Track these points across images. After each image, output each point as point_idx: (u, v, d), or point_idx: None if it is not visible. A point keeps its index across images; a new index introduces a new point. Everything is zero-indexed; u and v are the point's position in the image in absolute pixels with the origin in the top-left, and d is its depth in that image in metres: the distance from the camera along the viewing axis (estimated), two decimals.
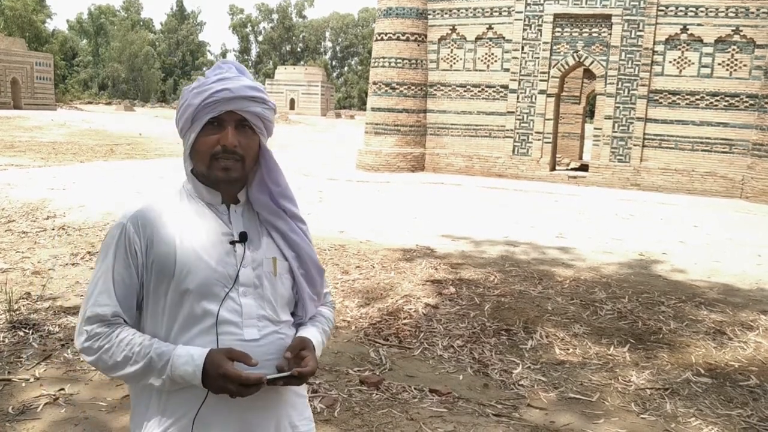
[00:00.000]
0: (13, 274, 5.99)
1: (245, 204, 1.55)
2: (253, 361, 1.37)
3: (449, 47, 17.15)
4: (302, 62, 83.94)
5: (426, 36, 17.28)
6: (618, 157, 15.42)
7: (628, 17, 14.91)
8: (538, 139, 16.17)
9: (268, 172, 1.55)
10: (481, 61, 16.82)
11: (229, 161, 1.45)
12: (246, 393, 1.35)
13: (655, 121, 15.02)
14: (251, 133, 1.49)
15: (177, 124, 1.52)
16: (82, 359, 1.38)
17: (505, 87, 16.44)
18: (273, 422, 1.49)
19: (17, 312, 4.79)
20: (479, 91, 16.86)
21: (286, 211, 1.56)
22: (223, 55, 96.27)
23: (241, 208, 1.54)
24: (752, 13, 13.95)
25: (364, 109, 20.15)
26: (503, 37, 16.38)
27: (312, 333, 1.56)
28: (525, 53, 16.12)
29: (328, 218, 9.58)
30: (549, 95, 15.97)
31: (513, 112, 16.41)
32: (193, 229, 1.47)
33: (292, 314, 1.60)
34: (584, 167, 18.01)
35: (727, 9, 14.12)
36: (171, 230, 1.45)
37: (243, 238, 1.49)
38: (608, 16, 15.11)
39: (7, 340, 4.28)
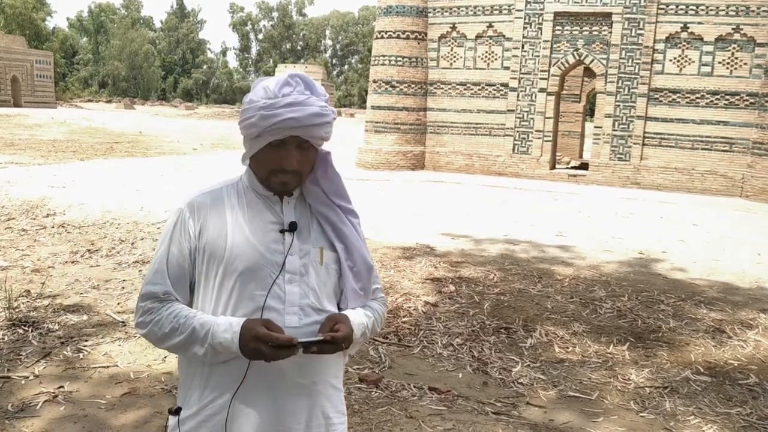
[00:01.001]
0: (13, 271, 5.99)
1: (298, 197, 1.60)
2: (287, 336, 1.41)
3: (449, 45, 17.14)
4: (302, 60, 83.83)
5: (426, 34, 17.26)
6: (618, 156, 15.41)
7: (628, 15, 14.89)
8: (538, 138, 16.17)
9: (323, 171, 1.60)
10: (482, 59, 16.80)
11: (288, 178, 1.52)
12: (278, 356, 1.39)
13: (656, 119, 15.01)
14: (310, 148, 1.55)
15: (240, 125, 1.55)
16: (139, 334, 1.43)
17: (506, 85, 16.43)
18: (306, 410, 1.54)
19: (17, 310, 4.79)
20: (479, 90, 16.85)
21: (338, 205, 1.61)
22: (224, 53, 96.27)
23: (293, 200, 1.59)
24: (753, 11, 13.94)
25: (365, 108, 20.14)
26: (503, 36, 16.37)
27: (350, 313, 1.58)
28: (525, 51, 16.11)
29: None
30: (549, 93, 15.96)
31: (513, 111, 16.40)
32: (245, 217, 1.53)
33: (339, 308, 1.62)
34: (584, 166, 18.01)
35: (727, 7, 14.11)
36: (224, 216, 1.53)
37: (292, 227, 1.54)
38: (608, 15, 15.10)
39: (6, 338, 4.28)
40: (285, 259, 1.52)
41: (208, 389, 1.51)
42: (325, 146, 1.63)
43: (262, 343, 1.39)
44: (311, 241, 1.58)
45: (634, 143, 15.19)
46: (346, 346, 1.50)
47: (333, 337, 1.44)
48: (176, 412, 1.55)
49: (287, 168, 1.51)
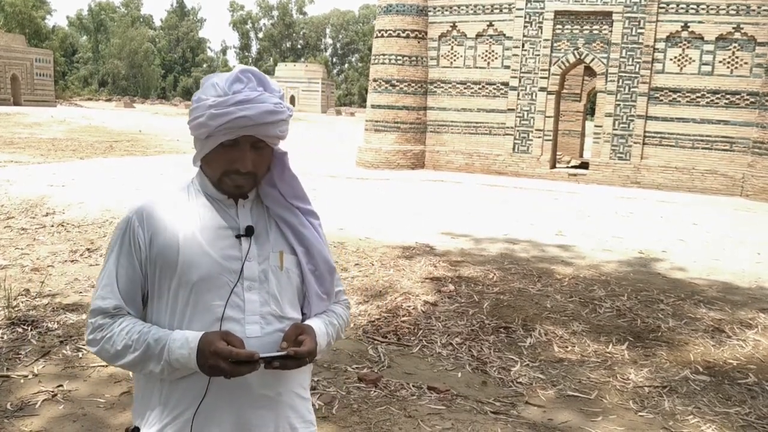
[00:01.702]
0: (12, 270, 5.99)
1: (254, 199, 1.53)
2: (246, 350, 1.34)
3: (449, 44, 17.13)
4: (302, 59, 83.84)
5: (426, 33, 17.25)
6: (618, 155, 15.41)
7: (628, 14, 14.88)
8: (539, 137, 16.16)
9: (280, 171, 1.53)
10: (482, 58, 16.79)
11: (242, 180, 1.44)
12: (239, 372, 1.32)
13: (656, 118, 15.00)
14: (265, 148, 1.47)
15: (189, 125, 1.47)
16: (90, 352, 1.37)
17: (506, 84, 16.42)
18: (272, 423, 1.47)
19: (16, 309, 4.79)
20: (479, 89, 16.84)
21: (297, 207, 1.55)
22: (224, 51, 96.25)
23: (249, 203, 1.51)
24: (753, 10, 13.93)
25: (365, 107, 20.14)
26: (504, 34, 16.36)
27: (314, 322, 1.51)
28: (525, 50, 16.10)
29: (328, 215, 9.57)
30: (549, 93, 15.95)
31: (513, 110, 16.39)
32: (198, 223, 1.45)
33: (302, 313, 1.56)
34: (584, 165, 18.00)
35: (728, 6, 14.10)
36: (175, 223, 1.44)
37: (249, 232, 1.47)
38: (609, 13, 15.09)
39: (5, 337, 4.28)
40: (243, 265, 1.44)
41: (169, 407, 1.42)
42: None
43: (221, 360, 1.31)
44: (270, 245, 1.50)
45: (635, 142, 15.18)
46: (310, 360, 1.43)
47: (296, 352, 1.36)
48: None
49: (241, 169, 1.42)
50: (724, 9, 14.14)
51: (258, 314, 1.45)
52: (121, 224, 1.47)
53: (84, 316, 4.75)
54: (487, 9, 16.52)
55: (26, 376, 3.70)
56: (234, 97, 1.40)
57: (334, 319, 1.60)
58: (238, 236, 1.46)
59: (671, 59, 14.75)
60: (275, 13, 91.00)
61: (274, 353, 1.36)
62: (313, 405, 3.42)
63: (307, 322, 1.52)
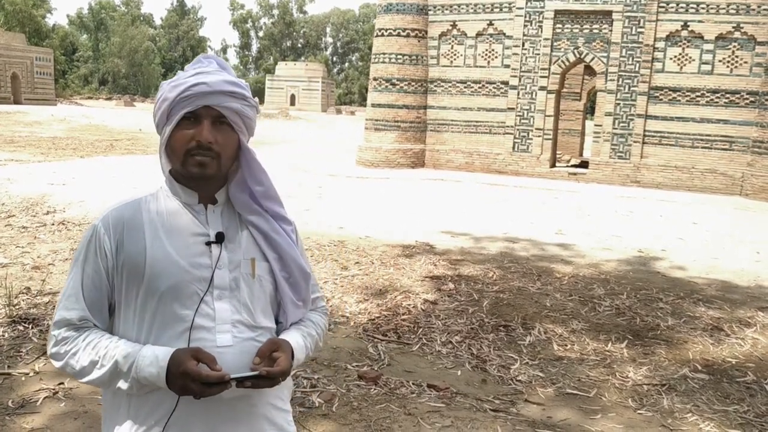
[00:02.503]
0: (13, 268, 6.01)
1: (224, 204, 1.48)
2: (218, 367, 1.29)
3: (450, 43, 17.13)
4: (303, 58, 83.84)
5: (426, 32, 17.26)
6: (618, 154, 15.42)
7: (628, 14, 14.89)
8: (539, 136, 16.17)
9: (249, 171, 1.47)
10: (482, 57, 16.80)
11: (205, 157, 1.38)
12: (209, 393, 1.28)
13: (656, 118, 15.01)
14: (229, 130, 1.42)
15: (154, 118, 1.46)
16: (55, 366, 1.28)
17: (506, 83, 16.43)
18: None
19: (17, 306, 4.80)
20: (479, 88, 16.85)
21: (268, 211, 1.50)
22: (224, 50, 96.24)
23: (219, 208, 1.47)
24: (753, 10, 13.93)
25: (365, 105, 20.16)
26: (504, 34, 16.36)
27: (292, 336, 1.47)
28: (525, 49, 16.10)
29: (328, 214, 9.59)
30: (549, 92, 15.96)
31: (513, 109, 16.40)
32: (167, 230, 1.41)
33: (278, 321, 1.52)
34: (584, 164, 18.01)
35: (728, 6, 14.11)
36: (143, 231, 1.40)
37: (219, 238, 1.42)
38: (609, 13, 15.09)
39: (6, 335, 4.29)
40: (213, 273, 1.40)
41: (138, 421, 1.37)
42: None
43: (190, 381, 1.26)
44: (241, 252, 1.45)
45: (635, 141, 15.19)
46: (284, 379, 1.38)
47: (269, 372, 1.32)
48: None
49: (202, 141, 1.37)
50: (723, 8, 14.15)
51: (229, 323, 1.40)
52: (87, 232, 1.43)
53: None
54: (488, 8, 16.52)
55: (27, 374, 3.71)
56: (193, 71, 1.43)
57: (312, 329, 1.56)
58: (208, 243, 1.42)
59: (671, 58, 14.76)
60: (275, 11, 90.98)
61: (245, 374, 1.32)
62: (313, 402, 3.46)
63: (284, 334, 1.48)
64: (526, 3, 15.91)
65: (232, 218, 1.48)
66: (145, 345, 1.36)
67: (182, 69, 1.50)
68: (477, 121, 16.96)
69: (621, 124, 15.31)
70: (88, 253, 1.41)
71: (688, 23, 14.48)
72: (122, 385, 1.34)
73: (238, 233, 1.47)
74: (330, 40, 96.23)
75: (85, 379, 1.36)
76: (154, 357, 1.31)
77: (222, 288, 1.41)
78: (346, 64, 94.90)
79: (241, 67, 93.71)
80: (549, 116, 16.07)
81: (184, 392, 1.29)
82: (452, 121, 17.25)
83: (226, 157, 1.42)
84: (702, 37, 14.42)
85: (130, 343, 1.36)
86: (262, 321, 1.46)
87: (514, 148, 16.52)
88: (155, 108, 1.45)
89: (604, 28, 15.27)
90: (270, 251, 1.48)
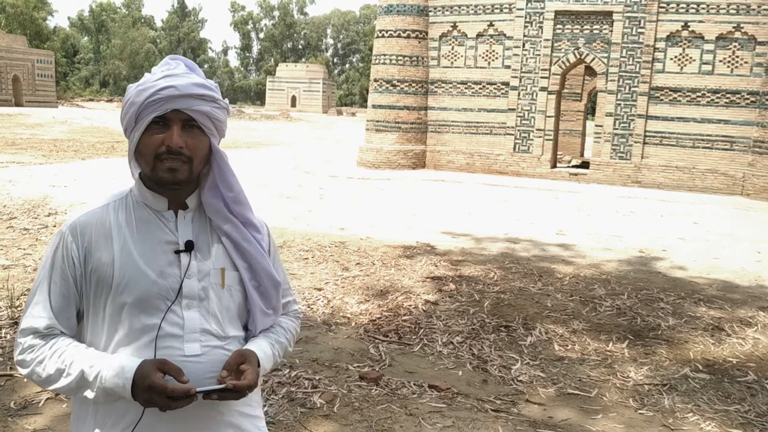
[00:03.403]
0: (15, 270, 6.02)
1: (195, 210, 1.45)
2: (185, 378, 1.29)
3: (450, 44, 17.14)
4: (303, 59, 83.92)
5: (427, 33, 17.27)
6: (619, 154, 15.42)
7: (629, 14, 14.89)
8: (539, 137, 16.17)
9: (220, 175, 1.44)
10: (482, 58, 16.81)
11: (176, 162, 1.35)
12: (175, 406, 1.26)
13: (656, 118, 15.01)
14: (200, 134, 1.39)
15: (121, 123, 1.42)
16: (21, 374, 1.27)
17: (506, 84, 16.44)
18: None
19: (19, 308, 4.81)
20: (480, 88, 16.86)
21: (239, 217, 1.47)
22: (225, 52, 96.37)
23: (190, 214, 1.44)
24: (753, 10, 13.93)
25: (366, 107, 20.19)
26: (504, 34, 16.38)
27: (259, 345, 1.46)
28: (526, 50, 16.11)
29: (329, 215, 9.60)
30: (550, 92, 15.96)
31: (514, 109, 16.41)
32: (135, 238, 1.38)
33: (246, 329, 1.51)
34: (585, 164, 18.01)
35: (728, 6, 14.11)
36: (111, 239, 1.37)
37: (189, 247, 1.40)
38: (609, 13, 15.10)
39: (9, 337, 4.30)
40: (182, 283, 1.38)
41: (105, 429, 1.37)
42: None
43: (156, 394, 1.25)
44: (211, 261, 1.42)
45: (635, 142, 15.19)
46: (251, 391, 1.36)
47: (235, 386, 1.31)
48: None
49: (172, 146, 1.34)
50: (724, 8, 14.15)
51: (198, 332, 1.39)
52: (54, 240, 1.40)
53: None
54: (488, 9, 16.53)
55: None
56: (160, 74, 1.39)
57: (281, 336, 1.55)
58: (178, 252, 1.39)
59: (671, 59, 14.76)
60: (276, 13, 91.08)
61: (212, 387, 1.31)
62: (315, 403, 3.46)
63: (251, 343, 1.47)
64: (527, 4, 15.92)
65: (203, 225, 1.45)
66: (112, 355, 1.35)
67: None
68: (478, 122, 16.97)
69: (622, 125, 15.31)
70: (55, 260, 1.39)
71: (689, 23, 14.49)
72: (88, 394, 1.32)
73: (209, 241, 1.44)
74: (331, 41, 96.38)
75: (51, 387, 1.35)
76: (120, 368, 1.29)
77: (191, 297, 1.39)
78: (347, 66, 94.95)
79: (242, 69, 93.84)
80: (550, 117, 16.07)
81: (149, 405, 1.28)
82: (453, 122, 17.26)
83: (197, 161, 1.39)
84: (702, 37, 14.42)
85: (97, 353, 1.35)
86: (230, 331, 1.44)
87: (514, 148, 16.52)
88: (122, 112, 1.41)
89: (605, 29, 15.27)
90: (240, 260, 1.46)
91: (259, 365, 1.41)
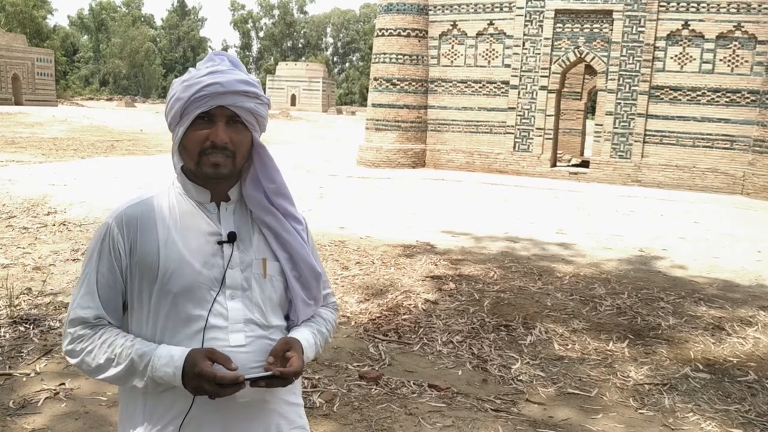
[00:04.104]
0: (14, 269, 6.01)
1: (237, 202, 1.48)
2: (233, 365, 1.31)
3: (450, 43, 17.13)
4: (303, 58, 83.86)
5: (427, 32, 17.25)
6: (619, 153, 15.41)
7: (629, 13, 14.88)
8: (539, 135, 16.16)
9: (262, 168, 1.47)
10: (482, 56, 16.80)
11: (219, 157, 1.38)
12: (224, 393, 1.29)
13: (656, 117, 15.00)
14: (243, 129, 1.42)
15: (166, 117, 1.46)
16: (70, 363, 1.26)
17: (506, 83, 16.42)
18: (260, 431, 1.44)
19: (18, 307, 4.80)
20: (480, 87, 16.84)
21: (279, 209, 1.49)
22: (225, 50, 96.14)
23: (232, 206, 1.47)
24: (754, 8, 13.92)
25: (365, 105, 20.18)
26: (504, 33, 16.36)
27: (302, 334, 1.49)
28: (526, 49, 16.10)
29: (329, 214, 9.59)
30: (550, 91, 15.95)
31: (514, 108, 16.39)
32: (179, 229, 1.41)
33: (288, 318, 1.54)
34: (585, 163, 18.01)
35: (728, 5, 14.09)
36: (156, 230, 1.40)
37: (231, 238, 1.42)
38: (609, 12, 15.08)
39: (8, 335, 4.29)
40: (225, 273, 1.41)
41: (153, 419, 1.39)
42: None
43: (206, 381, 1.28)
44: (253, 251, 1.45)
45: (635, 141, 15.18)
46: (297, 378, 1.40)
47: (282, 373, 1.34)
48: None
49: (217, 142, 1.37)
50: (724, 7, 14.13)
51: (242, 323, 1.41)
52: (100, 230, 1.43)
53: None
54: (488, 8, 16.52)
55: (28, 375, 3.71)
56: (205, 70, 1.41)
57: (322, 326, 1.58)
58: (220, 242, 1.42)
59: (672, 57, 14.75)
60: (276, 12, 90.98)
61: (260, 374, 1.34)
62: (314, 402, 3.46)
63: (294, 331, 1.49)
64: (527, 2, 15.91)
65: (244, 217, 1.48)
66: (160, 344, 1.38)
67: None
68: (478, 121, 16.95)
69: (622, 124, 15.30)
70: (102, 251, 1.41)
71: (689, 22, 14.47)
72: (137, 383, 1.36)
73: (250, 232, 1.47)
74: (330, 40, 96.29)
75: (100, 377, 1.38)
76: (170, 357, 1.33)
77: (234, 288, 1.42)
78: (347, 64, 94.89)
79: None
80: (550, 116, 16.06)
81: (198, 392, 1.31)
82: (453, 120, 17.25)
83: (240, 155, 1.43)
84: (703, 36, 14.40)
85: (146, 342, 1.38)
86: (273, 320, 1.47)
87: (514, 147, 16.51)
88: (167, 107, 1.45)
89: (605, 28, 15.26)
90: (281, 251, 1.49)
91: (302, 353, 1.44)
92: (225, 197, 1.46)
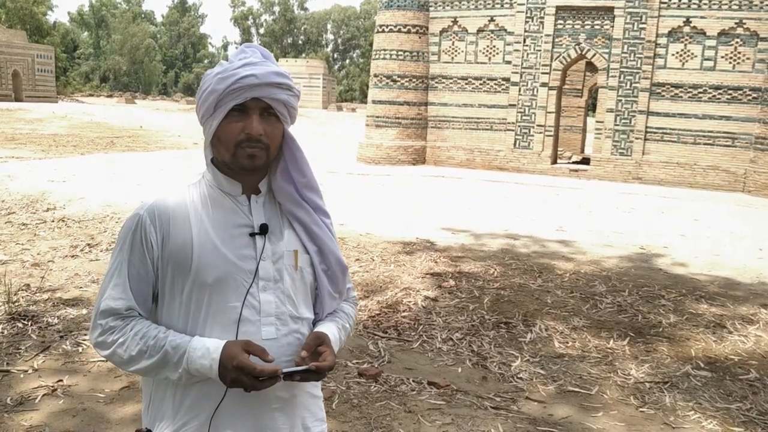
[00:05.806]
0: (13, 265, 5.99)
1: (267, 194, 1.49)
2: (270, 357, 1.32)
3: (451, 39, 17.08)
4: (304, 55, 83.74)
5: (427, 28, 17.21)
6: (620, 151, 15.37)
7: (630, 9, 14.82)
8: (540, 132, 16.13)
9: (293, 161, 1.49)
10: (483, 53, 16.75)
11: (255, 149, 1.39)
12: (261, 387, 1.30)
13: (658, 114, 14.96)
14: (275, 121, 1.44)
15: (198, 111, 1.46)
16: (91, 348, 1.27)
17: (507, 80, 16.38)
18: (287, 425, 1.45)
19: (16, 303, 4.78)
20: (481, 84, 16.80)
21: (309, 203, 1.51)
22: (225, 47, 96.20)
23: (262, 198, 1.48)
24: (756, 5, 13.87)
25: (366, 102, 20.14)
26: (505, 29, 16.31)
27: (329, 328, 1.50)
28: (527, 45, 16.05)
29: (329, 211, 9.55)
30: (551, 88, 15.91)
31: (514, 105, 16.35)
32: (212, 221, 1.41)
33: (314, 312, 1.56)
34: (586, 160, 17.97)
35: (730, 1, 14.04)
36: (188, 222, 1.40)
37: (263, 230, 1.43)
38: (611, 8, 15.03)
39: (6, 332, 4.28)
40: (258, 265, 1.41)
41: (182, 411, 1.40)
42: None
43: (244, 374, 1.28)
44: (284, 243, 1.46)
45: (636, 138, 15.15)
46: (329, 372, 1.41)
47: (318, 368, 1.35)
48: None
49: (253, 134, 1.38)
50: (726, 4, 14.08)
51: (274, 315, 1.42)
52: (131, 221, 1.42)
53: (84, 311, 4.75)
54: (488, 4, 16.47)
55: (26, 371, 3.70)
56: (239, 62, 1.41)
57: (345, 321, 1.60)
58: (252, 234, 1.43)
59: (673, 54, 14.70)
60: (276, 8, 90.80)
61: (296, 368, 1.35)
62: None
63: (321, 326, 1.50)
64: None
65: (274, 209, 1.49)
66: (194, 336, 1.37)
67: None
68: (478, 118, 16.92)
69: (623, 121, 15.26)
70: (133, 242, 1.40)
71: (690, 19, 14.42)
72: (171, 375, 1.35)
73: (280, 224, 1.48)
74: (331, 36, 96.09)
75: (132, 368, 1.38)
76: (206, 349, 1.33)
77: (267, 279, 1.42)
78: (347, 61, 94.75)
79: None
80: (550, 113, 16.02)
81: (235, 385, 1.31)
82: (453, 117, 17.21)
83: (273, 147, 1.44)
84: (704, 33, 14.35)
85: (179, 334, 1.38)
86: (304, 312, 1.49)
87: (515, 144, 16.48)
88: (200, 99, 1.44)
89: (606, 24, 15.21)
90: (310, 243, 1.50)
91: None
92: (255, 189, 1.47)
